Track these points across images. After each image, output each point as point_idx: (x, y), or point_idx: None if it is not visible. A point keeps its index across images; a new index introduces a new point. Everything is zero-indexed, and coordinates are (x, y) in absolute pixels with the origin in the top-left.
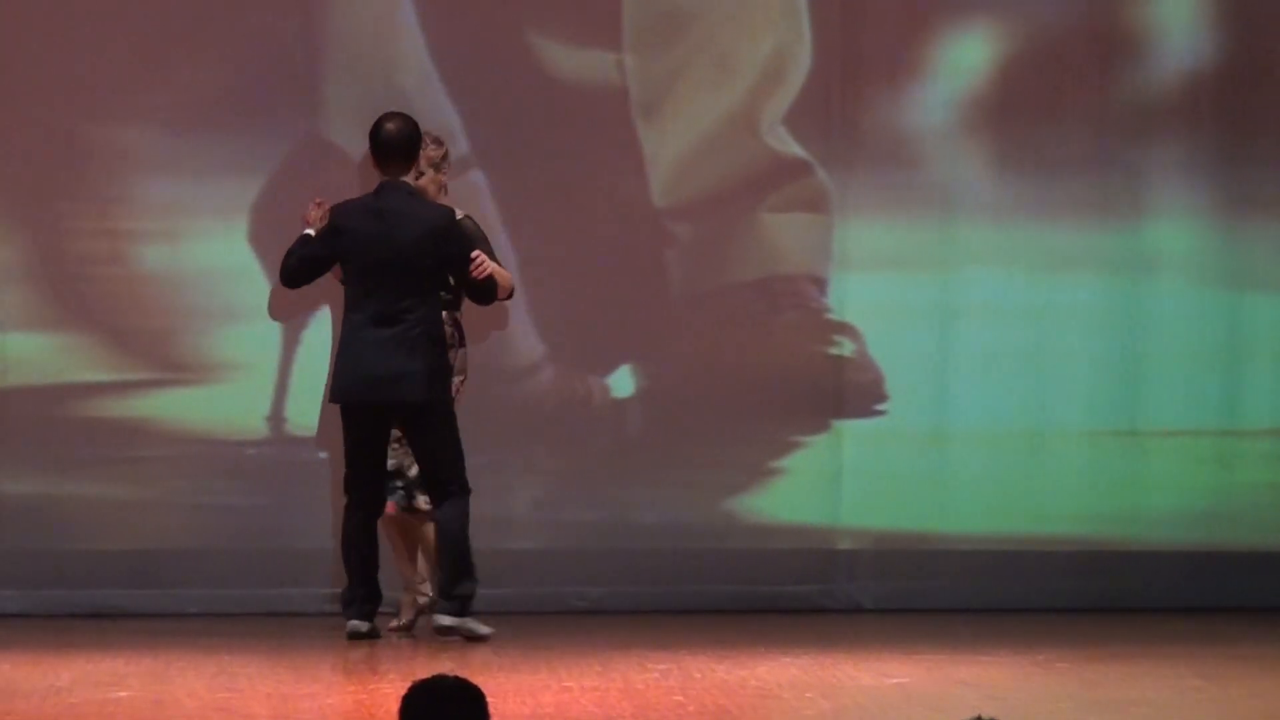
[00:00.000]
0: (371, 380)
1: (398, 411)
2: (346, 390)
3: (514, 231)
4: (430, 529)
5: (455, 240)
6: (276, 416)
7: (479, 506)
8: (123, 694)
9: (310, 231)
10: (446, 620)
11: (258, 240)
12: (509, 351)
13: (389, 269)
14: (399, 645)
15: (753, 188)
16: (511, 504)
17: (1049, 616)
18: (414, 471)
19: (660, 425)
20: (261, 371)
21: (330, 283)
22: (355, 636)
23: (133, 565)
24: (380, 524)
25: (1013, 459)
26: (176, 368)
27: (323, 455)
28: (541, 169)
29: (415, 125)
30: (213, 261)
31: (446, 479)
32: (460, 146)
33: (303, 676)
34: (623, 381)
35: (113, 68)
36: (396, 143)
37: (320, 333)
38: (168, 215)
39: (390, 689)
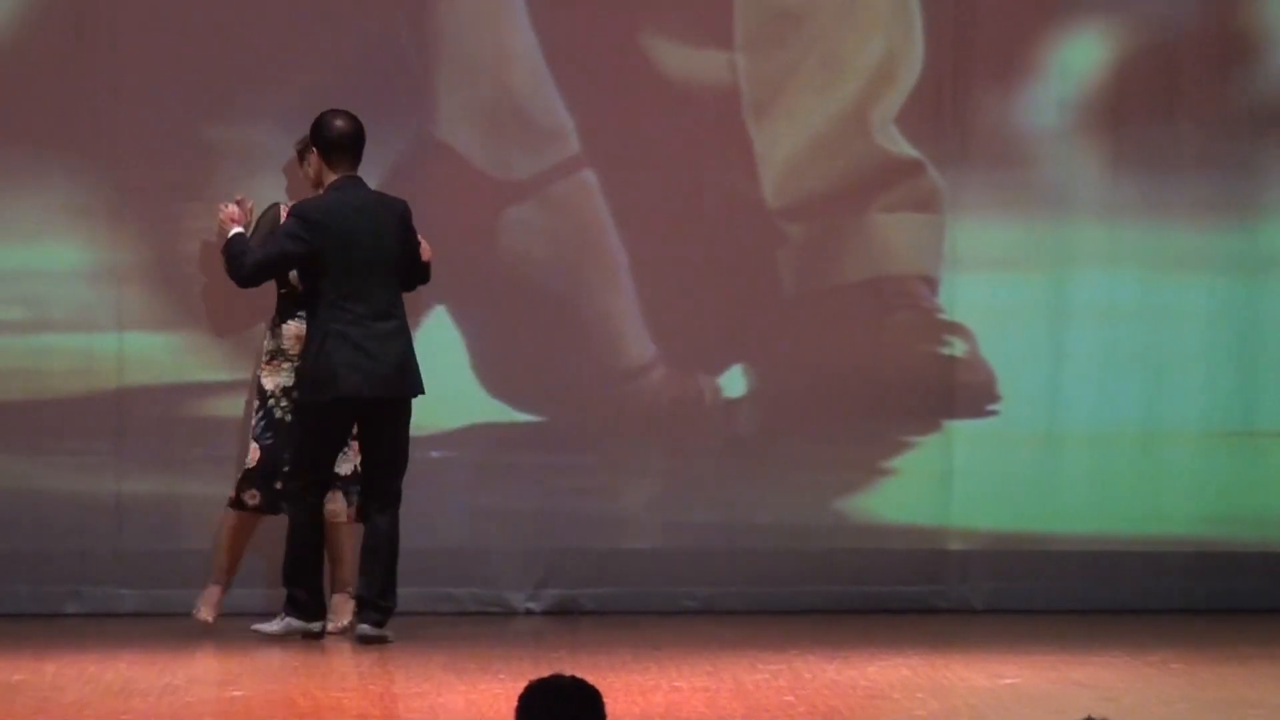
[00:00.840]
0: (382, 374)
1: (392, 406)
2: (357, 385)
3: (625, 231)
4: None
5: (412, 227)
6: None
7: (591, 506)
8: (237, 693)
9: (241, 230)
10: (373, 630)
11: None
12: (620, 352)
13: (376, 264)
14: (508, 645)
15: (864, 187)
16: (623, 504)
17: (1162, 617)
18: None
19: (771, 425)
20: None
21: (452, 280)
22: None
23: (249, 564)
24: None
25: (1125, 459)
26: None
27: (435, 454)
28: (653, 168)
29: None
30: None
31: (396, 483)
32: (571, 146)
33: (413, 676)
34: (734, 381)
35: (232, 69)
36: (353, 138)
37: (432, 332)
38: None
39: (500, 688)
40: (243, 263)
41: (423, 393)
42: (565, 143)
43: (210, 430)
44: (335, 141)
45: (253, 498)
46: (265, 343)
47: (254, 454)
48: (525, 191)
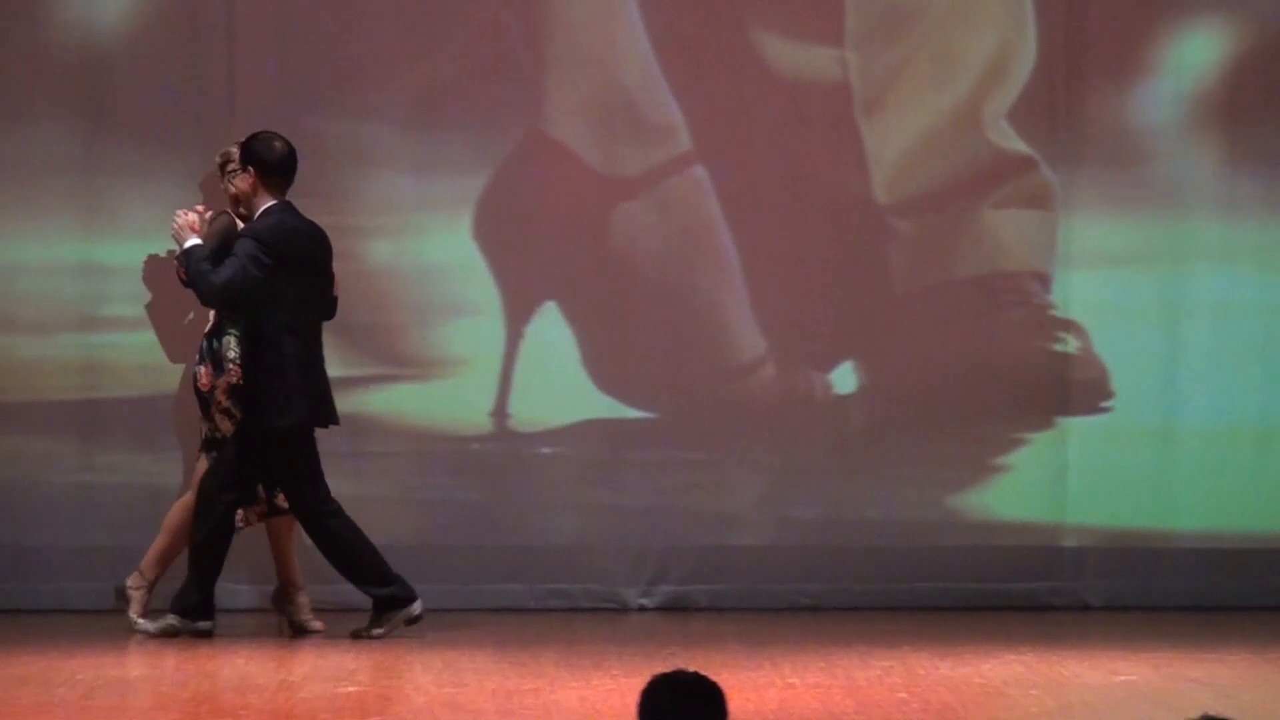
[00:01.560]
0: (329, 402)
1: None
2: (326, 412)
3: (736, 228)
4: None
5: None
6: (500, 412)
7: (702, 502)
8: (352, 688)
9: (199, 241)
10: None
11: (482, 236)
12: (731, 348)
13: (319, 289)
14: (621, 641)
15: (976, 184)
16: (734, 501)
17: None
18: None
19: (882, 421)
20: (485, 367)
21: (563, 277)
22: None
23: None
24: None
25: (1241, 455)
26: (402, 363)
27: (546, 451)
28: (763, 165)
29: None
30: (438, 257)
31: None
32: (682, 143)
33: (527, 672)
34: (845, 378)
35: (344, 66)
36: (292, 162)
37: (544, 329)
38: (395, 211)
39: (613, 685)
40: (211, 281)
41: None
42: (676, 139)
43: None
44: (276, 165)
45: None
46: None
47: None
48: (636, 188)
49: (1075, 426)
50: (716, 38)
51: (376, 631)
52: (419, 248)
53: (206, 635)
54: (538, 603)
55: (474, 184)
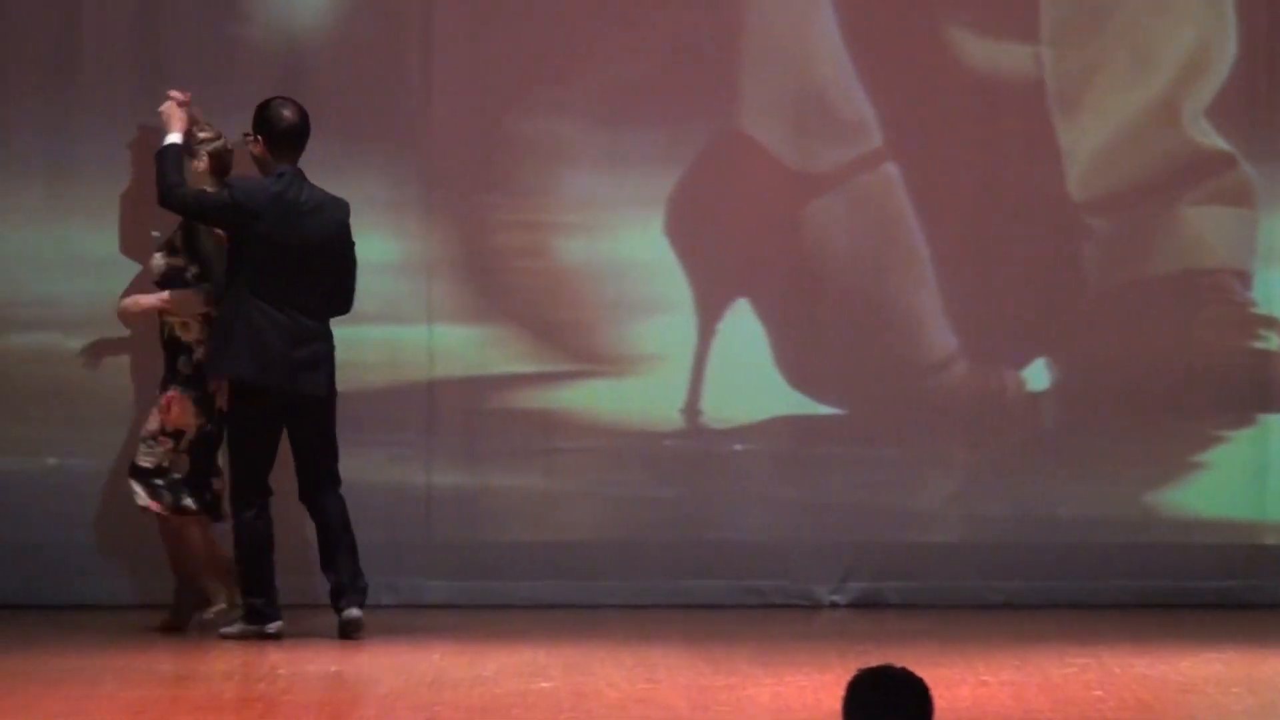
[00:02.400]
0: (282, 366)
1: (299, 403)
2: (257, 372)
3: (928, 224)
4: (197, 530)
5: (350, 236)
6: (692, 408)
7: (894, 499)
8: (545, 684)
9: (178, 138)
10: (358, 612)
11: (674, 232)
12: (923, 345)
13: (308, 264)
14: (813, 638)
15: (1173, 181)
16: (925, 497)
17: None
18: (177, 473)
19: (1076, 419)
20: (677, 363)
21: (755, 273)
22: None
23: (553, 556)
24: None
25: None
26: (595, 359)
27: (738, 447)
28: (956, 162)
29: None
30: (631, 254)
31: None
32: (874, 139)
33: (720, 669)
34: (1038, 375)
35: (538, 63)
36: (301, 131)
37: (735, 325)
38: (588, 208)
39: (806, 681)
40: (179, 192)
41: (329, 392)
42: (868, 136)
43: (515, 422)
44: (285, 133)
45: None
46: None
47: None
48: (828, 184)
49: (1276, 424)
50: (910, 34)
51: (228, 630)
52: (612, 244)
53: (277, 638)
54: (730, 599)
55: (666, 180)
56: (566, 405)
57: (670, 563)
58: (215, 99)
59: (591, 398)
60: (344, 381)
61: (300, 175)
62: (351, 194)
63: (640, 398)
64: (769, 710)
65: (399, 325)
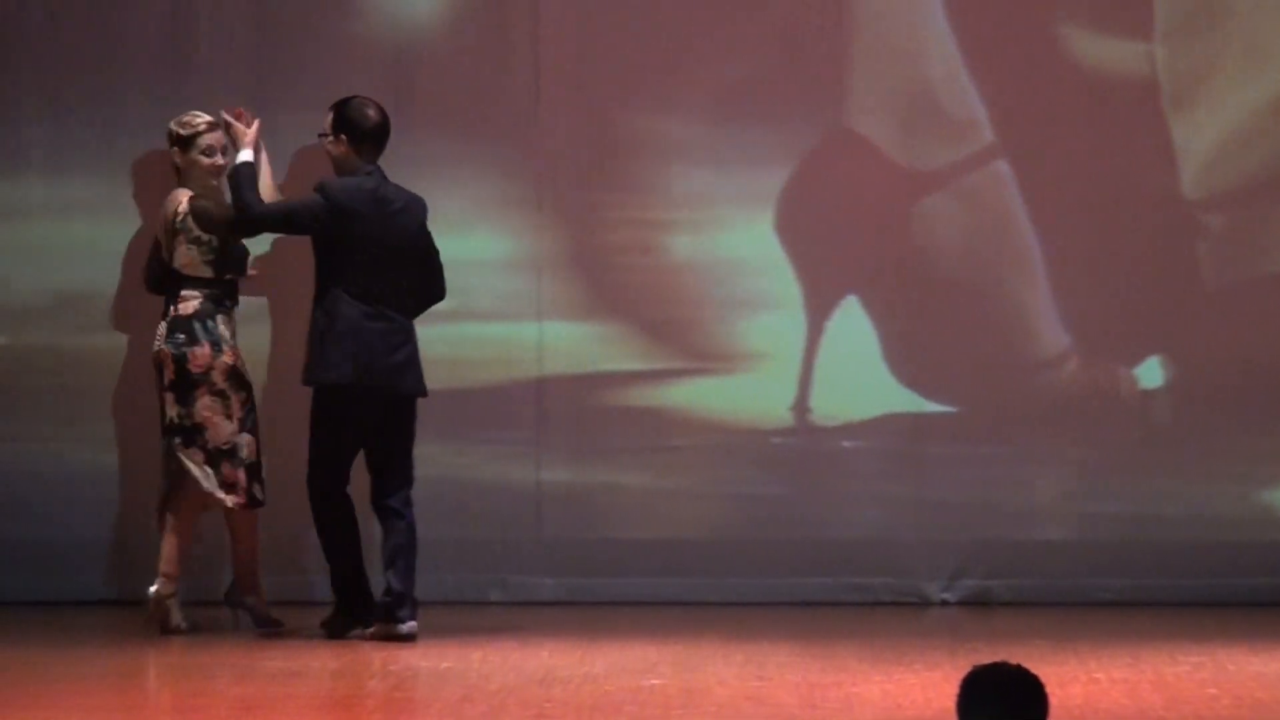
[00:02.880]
0: (384, 368)
1: (394, 404)
2: (358, 374)
3: (1039, 222)
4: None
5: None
6: (801, 406)
7: (1004, 496)
8: (655, 681)
9: (249, 155)
10: (416, 625)
11: (784, 230)
12: (1033, 342)
13: (394, 263)
14: (923, 635)
15: None
16: (1036, 495)
17: None
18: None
19: (1189, 417)
20: (786, 361)
21: (864, 271)
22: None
23: (662, 553)
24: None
25: None
26: (704, 357)
27: (847, 444)
28: (1068, 160)
29: None
30: (740, 251)
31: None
32: (985, 137)
33: (829, 666)
34: (1151, 373)
35: (648, 60)
36: (384, 130)
37: (845, 323)
38: (698, 205)
39: (915, 679)
40: (258, 210)
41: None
42: (979, 133)
43: (624, 420)
44: (370, 132)
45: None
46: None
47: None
48: (938, 182)
49: None
50: (1021, 31)
51: (356, 632)
52: (721, 242)
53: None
54: (839, 596)
55: (776, 178)
56: (676, 402)
57: (779, 560)
58: (326, 96)
59: (701, 395)
60: (454, 379)
61: (380, 173)
62: (461, 192)
63: (749, 395)
64: (878, 708)
65: (509, 322)
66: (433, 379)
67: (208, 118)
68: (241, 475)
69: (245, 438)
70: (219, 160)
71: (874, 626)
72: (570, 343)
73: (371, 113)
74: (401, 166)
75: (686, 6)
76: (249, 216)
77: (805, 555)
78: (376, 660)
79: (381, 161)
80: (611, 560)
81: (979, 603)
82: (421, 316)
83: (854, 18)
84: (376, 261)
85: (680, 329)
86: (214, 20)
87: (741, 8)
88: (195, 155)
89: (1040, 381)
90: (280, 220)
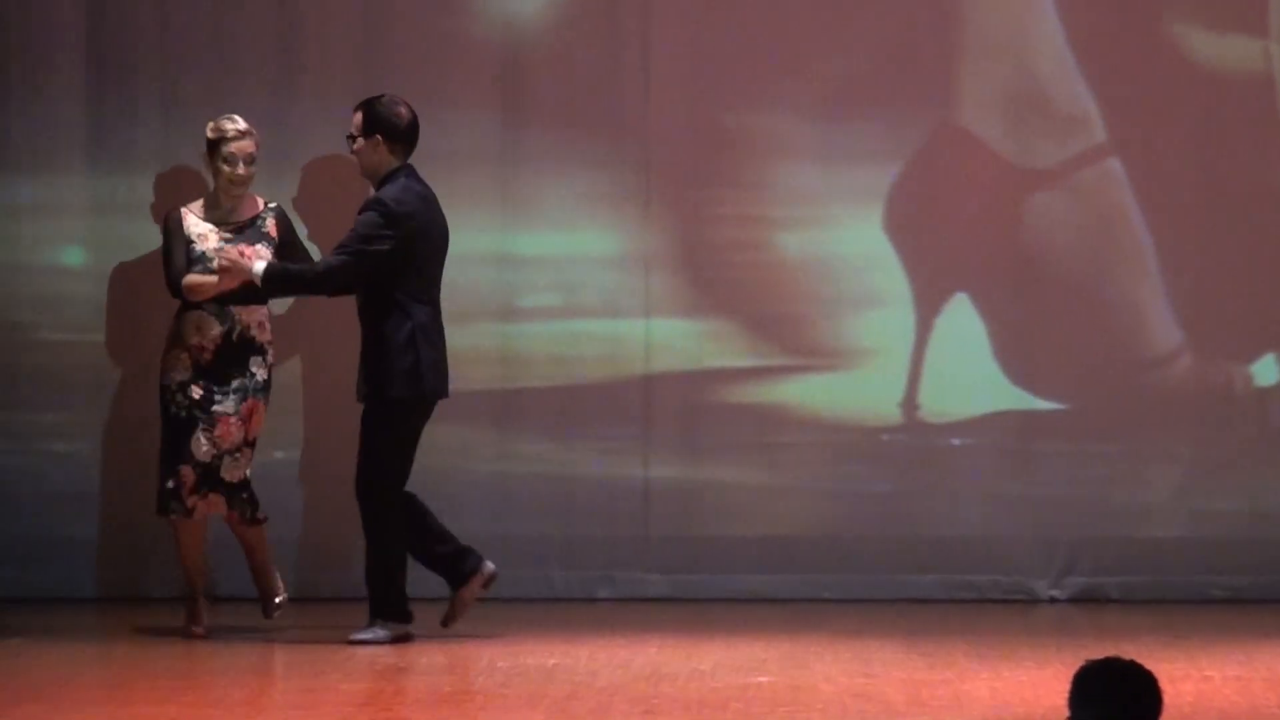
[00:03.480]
0: (445, 374)
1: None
2: (437, 387)
3: (1152, 218)
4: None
5: None
6: (910, 403)
7: (1115, 493)
8: (762, 679)
9: (262, 264)
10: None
11: (893, 227)
12: (1145, 340)
13: (440, 257)
14: (1031, 632)
15: None
16: (1147, 492)
17: None
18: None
19: None
20: (896, 357)
21: (974, 268)
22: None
23: (769, 550)
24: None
25: None
26: (813, 354)
27: (956, 442)
28: (1180, 156)
29: None
30: (849, 248)
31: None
32: (1096, 134)
33: (937, 663)
34: (1266, 370)
35: (757, 57)
36: (417, 127)
37: (954, 320)
38: (807, 202)
39: (1025, 676)
40: (330, 272)
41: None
42: (1090, 131)
43: (732, 416)
44: (405, 131)
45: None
46: (169, 331)
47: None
48: (1049, 179)
49: None
50: (1133, 27)
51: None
52: (829, 239)
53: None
54: (947, 594)
55: (885, 175)
56: (784, 399)
57: (887, 557)
58: (435, 93)
59: (809, 392)
60: (562, 376)
61: (414, 170)
62: (570, 188)
63: (858, 392)
64: (987, 705)
65: (617, 319)
66: (540, 376)
67: (240, 125)
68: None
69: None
70: (240, 170)
71: (982, 624)
72: (678, 339)
73: (404, 110)
74: (511, 167)
75: (796, 3)
76: (328, 284)
77: (913, 552)
78: (485, 657)
79: (496, 158)
80: (719, 557)
81: (1088, 600)
82: (531, 312)
83: (963, 14)
84: (429, 261)
85: (788, 325)
86: (322, 19)
87: (851, 4)
88: (218, 162)
89: (1152, 379)
90: (355, 267)
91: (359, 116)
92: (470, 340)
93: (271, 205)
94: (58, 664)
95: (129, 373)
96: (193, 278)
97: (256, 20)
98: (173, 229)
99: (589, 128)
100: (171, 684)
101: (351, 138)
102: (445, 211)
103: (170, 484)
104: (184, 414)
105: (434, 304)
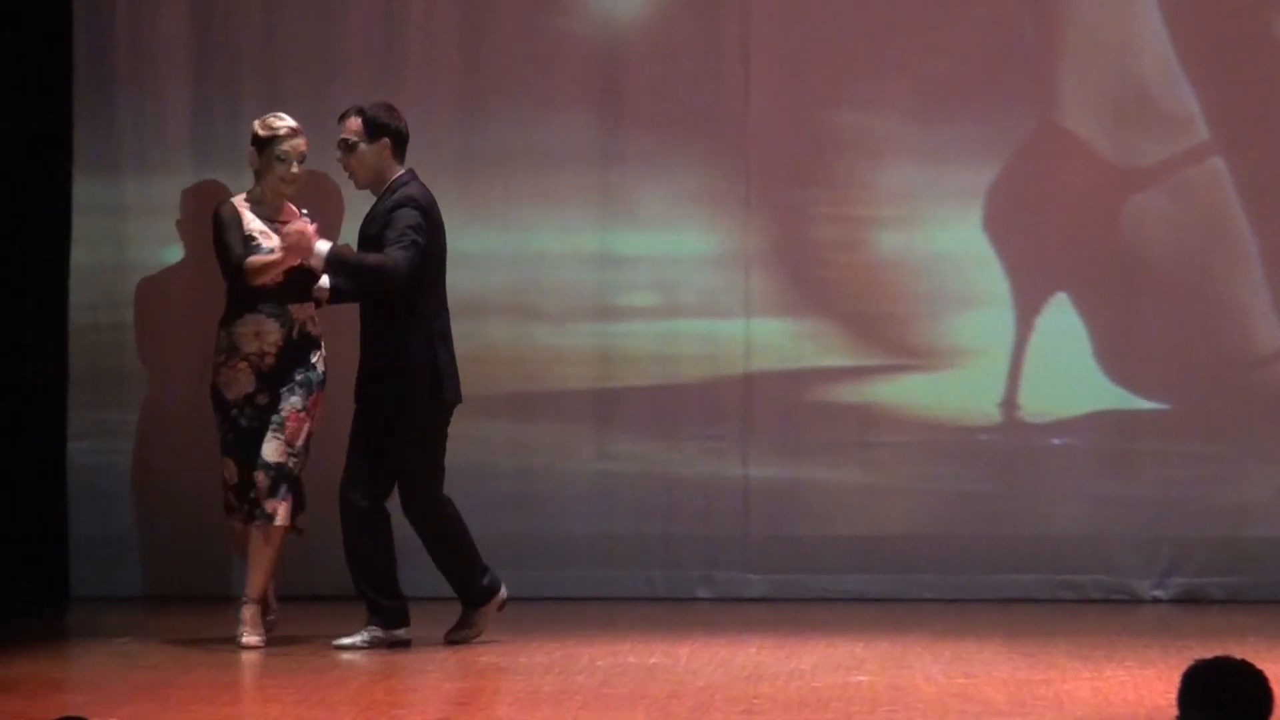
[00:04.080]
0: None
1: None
2: (458, 390)
3: (1255, 218)
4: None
5: None
6: (1010, 402)
7: (1217, 493)
8: (862, 678)
9: (326, 245)
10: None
11: (993, 226)
12: (1249, 339)
13: (445, 257)
14: (1134, 633)
15: None
16: (1251, 492)
17: None
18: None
19: None
20: (994, 357)
21: (1074, 268)
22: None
23: (869, 550)
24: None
25: None
26: (911, 353)
27: (1056, 442)
28: None
29: None
30: (948, 247)
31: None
32: (1199, 133)
33: (1037, 663)
34: None
35: (858, 58)
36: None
37: (1054, 319)
38: (905, 201)
39: (1127, 676)
40: (398, 270)
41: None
42: (1192, 130)
43: (831, 416)
44: (405, 134)
45: (238, 513)
46: (219, 341)
47: (230, 470)
48: (1151, 179)
49: None
50: (1237, 25)
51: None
52: (929, 238)
53: (406, 644)
54: (1048, 594)
55: (985, 174)
56: (883, 399)
57: (987, 557)
58: (536, 92)
59: (908, 391)
60: (662, 375)
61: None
62: (669, 188)
63: (957, 392)
64: (1089, 705)
65: (716, 319)
66: (641, 375)
67: (291, 123)
68: (231, 497)
69: (225, 460)
70: (293, 169)
71: (1084, 624)
72: (778, 338)
73: (398, 113)
74: (611, 165)
75: (896, 2)
76: (390, 276)
77: (1013, 552)
78: (585, 656)
79: (596, 157)
80: (818, 556)
81: (1192, 600)
82: (631, 312)
83: (1064, 12)
84: (442, 264)
85: (888, 325)
86: (425, 17)
87: (952, 3)
88: (270, 159)
89: (1255, 379)
90: (416, 260)
91: (356, 122)
92: (570, 340)
93: (304, 211)
94: (164, 662)
95: None
96: (256, 259)
97: (360, 19)
98: (230, 217)
99: (689, 127)
100: (274, 683)
101: (349, 144)
102: (545, 210)
103: (251, 494)
104: (255, 424)
105: (447, 308)
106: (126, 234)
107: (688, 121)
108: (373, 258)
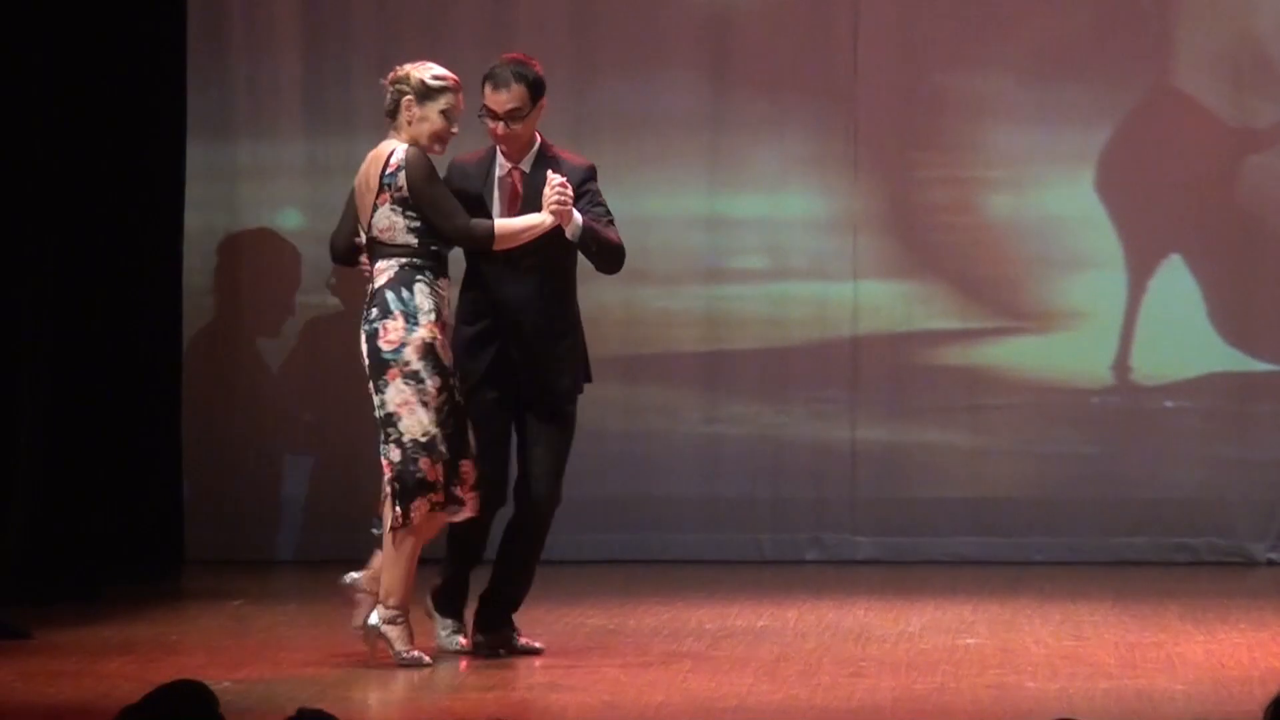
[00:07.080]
0: None
1: None
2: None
3: None
4: None
5: None
6: (1121, 365)
7: None
8: (970, 640)
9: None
10: None
11: (1105, 188)
12: None
13: None
14: (1248, 595)
15: None
16: None
17: None
18: None
19: None
20: (1106, 320)
21: (1189, 229)
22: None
23: (978, 513)
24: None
25: None
26: (1020, 316)
27: (1169, 404)
28: None
29: None
30: (1059, 209)
31: None
32: None
33: (1148, 625)
34: None
35: (968, 19)
36: None
37: (1167, 281)
38: (1016, 164)
39: (1240, 639)
40: (624, 253)
41: None
42: None
43: (940, 379)
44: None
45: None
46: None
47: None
48: (1266, 140)
49: None
50: None
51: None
52: (1040, 200)
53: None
54: (1160, 556)
55: (1097, 137)
56: (992, 361)
57: (1097, 519)
58: (646, 56)
59: (1018, 354)
60: (770, 338)
61: None
62: (778, 151)
63: (1067, 354)
64: (1201, 668)
65: (825, 281)
66: (749, 338)
67: (455, 76)
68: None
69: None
70: (455, 128)
71: (1196, 586)
72: (886, 301)
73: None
74: (721, 129)
75: None
76: (621, 254)
77: (1125, 515)
78: (693, 619)
79: (706, 121)
80: (926, 519)
81: None
82: (740, 274)
83: None
84: None
85: (998, 287)
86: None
87: None
88: (433, 112)
89: None
90: None
91: (520, 89)
92: (679, 303)
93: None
94: (278, 625)
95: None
96: (508, 222)
97: (466, 6)
98: (451, 178)
99: (798, 90)
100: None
101: (519, 114)
102: (655, 173)
103: (454, 486)
104: (462, 401)
105: None
106: (239, 198)
107: (797, 85)
108: (614, 235)
